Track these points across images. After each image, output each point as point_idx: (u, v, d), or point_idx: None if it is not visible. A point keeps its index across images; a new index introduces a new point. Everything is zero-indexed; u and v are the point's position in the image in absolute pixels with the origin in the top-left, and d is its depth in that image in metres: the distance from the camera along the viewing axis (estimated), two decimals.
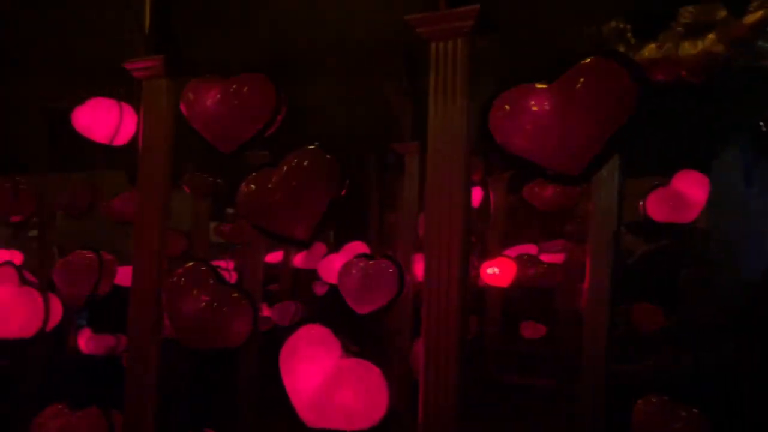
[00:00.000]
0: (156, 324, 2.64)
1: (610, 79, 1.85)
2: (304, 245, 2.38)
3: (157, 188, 2.71)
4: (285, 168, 2.28)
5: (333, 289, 5.31)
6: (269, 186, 2.33)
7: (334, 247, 6.13)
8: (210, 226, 6.11)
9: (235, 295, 2.46)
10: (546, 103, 1.83)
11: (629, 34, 3.79)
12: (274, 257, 6.31)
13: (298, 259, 6.33)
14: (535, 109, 1.87)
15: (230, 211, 7.62)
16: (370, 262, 2.99)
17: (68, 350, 5.43)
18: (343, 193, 2.32)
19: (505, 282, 4.19)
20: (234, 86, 2.44)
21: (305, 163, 2.27)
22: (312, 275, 6.34)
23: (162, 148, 2.71)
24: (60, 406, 2.70)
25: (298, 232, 2.32)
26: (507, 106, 1.89)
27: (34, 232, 5.46)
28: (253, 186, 2.38)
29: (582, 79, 1.84)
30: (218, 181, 5.55)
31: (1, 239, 7.18)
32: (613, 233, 3.23)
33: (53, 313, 2.93)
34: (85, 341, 5.59)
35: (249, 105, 2.44)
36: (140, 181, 2.72)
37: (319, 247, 5.93)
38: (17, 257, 5.50)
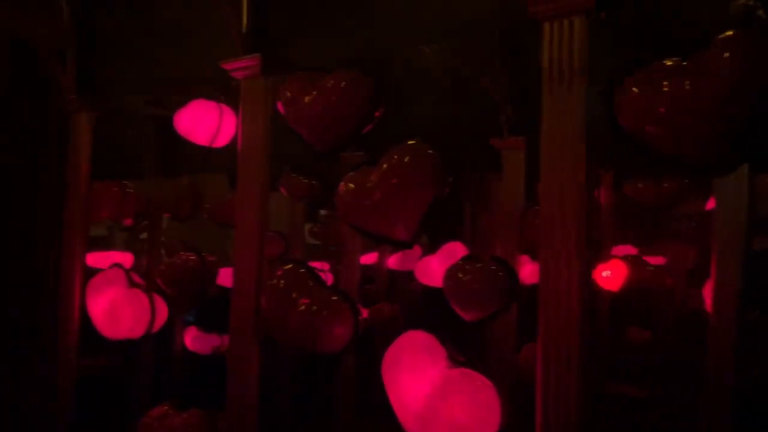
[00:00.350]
0: (257, 326, 2.61)
1: (759, 53, 1.59)
2: (405, 246, 2.25)
3: (257, 188, 2.68)
4: (385, 165, 2.16)
5: (428, 292, 5.19)
6: (368, 185, 2.22)
7: (428, 247, 5.99)
8: (305, 228, 6.16)
9: (335, 298, 2.38)
10: (683, 83, 1.60)
11: (760, 11, 3.40)
12: (369, 258, 6.26)
13: (393, 261, 6.25)
14: (667, 90, 1.64)
15: (323, 212, 7.68)
16: (478, 265, 2.80)
17: (175, 348, 5.61)
18: (447, 191, 2.18)
19: (616, 285, 3.88)
20: (331, 82, 2.35)
21: (406, 160, 2.14)
22: (405, 276, 6.24)
23: (261, 148, 2.67)
24: (166, 407, 2.72)
25: (399, 232, 2.19)
26: (635, 89, 1.67)
27: (144, 235, 5.70)
28: (351, 185, 2.29)
29: (726, 55, 1.59)
30: (314, 182, 5.57)
31: (117, 242, 7.60)
32: (745, 232, 2.90)
33: (159, 314, 2.99)
34: (191, 340, 5.77)
35: (346, 101, 2.35)
36: (240, 181, 2.70)
37: (414, 248, 5.81)
38: (128, 259, 5.76)
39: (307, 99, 2.33)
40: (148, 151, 5.15)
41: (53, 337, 3.50)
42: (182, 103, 3.20)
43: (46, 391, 3.52)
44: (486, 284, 2.71)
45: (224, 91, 3.32)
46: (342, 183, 2.28)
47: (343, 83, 2.34)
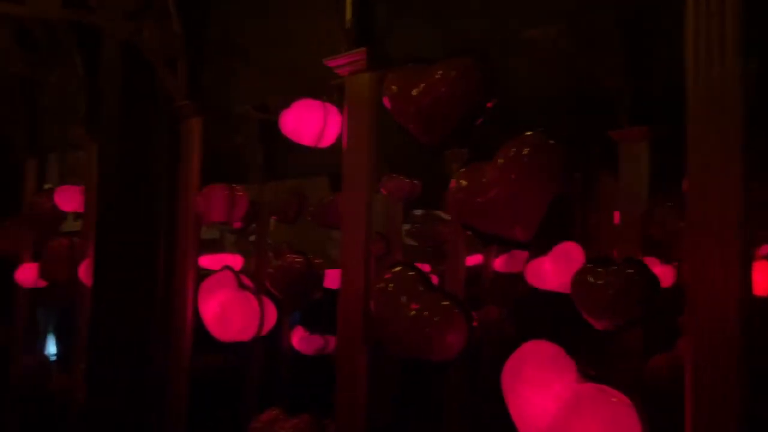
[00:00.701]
0: (365, 330, 2.51)
1: None
2: (524, 247, 2.07)
3: (363, 188, 2.59)
4: (501, 160, 1.99)
5: (537, 295, 4.92)
6: (483, 181, 2.05)
7: (536, 248, 5.69)
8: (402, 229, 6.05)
9: (447, 303, 2.23)
10: None
11: None
12: (472, 260, 6.05)
13: (499, 262, 6.01)
14: None
15: (417, 212, 7.54)
16: (612, 269, 2.50)
17: (283, 349, 5.69)
18: (571, 186, 1.98)
19: (765, 289, 3.45)
20: (440, 73, 2.21)
21: (525, 153, 1.95)
22: (506, 278, 5.97)
23: (366, 146, 2.58)
24: (276, 412, 2.69)
25: (517, 232, 2.01)
26: None
27: (252, 238, 5.83)
28: (464, 182, 2.13)
29: None
30: (415, 182, 5.45)
31: (226, 244, 7.87)
32: None
33: (268, 316, 2.98)
34: (298, 340, 5.84)
35: (456, 92, 2.19)
36: (345, 180, 2.62)
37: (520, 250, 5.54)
38: (238, 261, 5.92)
39: (414, 92, 2.20)
40: (254, 155, 5.25)
41: (167, 337, 3.60)
42: (288, 105, 3.18)
43: (161, 390, 3.62)
44: (623, 290, 2.43)
45: (329, 91, 3.27)
46: (454, 180, 2.13)
47: (453, 73, 2.19)
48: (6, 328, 5.48)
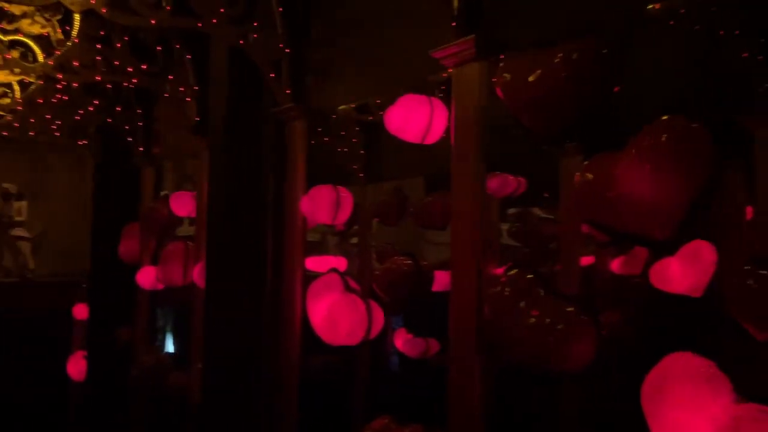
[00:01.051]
0: (479, 338, 2.35)
1: None
2: (661, 246, 1.83)
3: (473, 185, 2.42)
4: (635, 149, 1.77)
5: (659, 299, 4.51)
6: (614, 174, 1.84)
7: (657, 247, 5.25)
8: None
9: (571, 309, 2.02)
10: None
11: None
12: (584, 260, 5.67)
13: (616, 264, 5.59)
14: None
15: (511, 211, 7.20)
16: None
17: (387, 351, 5.62)
18: (716, 176, 1.72)
19: None
20: (559, 56, 2.02)
21: (664, 140, 1.72)
22: (619, 280, 5.54)
23: (476, 141, 2.42)
24: (386, 420, 2.59)
25: (654, 229, 1.78)
26: None
27: (355, 239, 5.81)
28: (590, 176, 1.93)
29: None
30: (520, 178, 5.20)
31: (329, 246, 7.95)
32: None
33: (375, 320, 2.90)
34: (402, 343, 5.74)
35: (579, 76, 1.99)
36: (454, 178, 2.47)
37: (640, 249, 5.13)
38: (342, 263, 5.91)
39: (531, 79, 2.02)
40: (354, 156, 5.22)
41: (277, 339, 3.61)
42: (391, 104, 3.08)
43: (272, 392, 3.64)
44: None
45: (430, 87, 3.14)
46: (578, 174, 1.93)
47: (575, 55, 1.99)
48: (128, 329, 5.79)
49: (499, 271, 4.54)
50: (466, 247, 2.41)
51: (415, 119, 2.80)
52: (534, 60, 2.09)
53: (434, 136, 2.87)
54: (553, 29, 2.45)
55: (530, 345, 2.04)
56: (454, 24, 2.41)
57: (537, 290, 2.12)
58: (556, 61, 2.02)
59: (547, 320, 2.01)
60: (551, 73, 2.02)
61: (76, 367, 6.92)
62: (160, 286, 5.14)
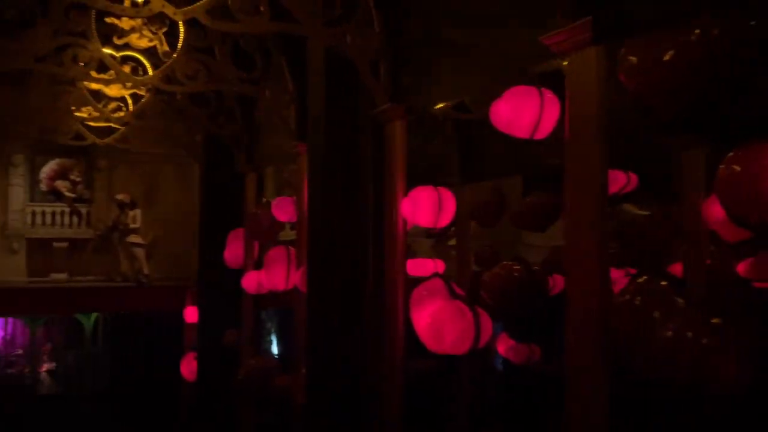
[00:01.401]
0: (604, 352, 2.13)
1: None
2: None
3: (592, 182, 2.21)
4: None
5: None
6: (765, 165, 1.59)
7: None
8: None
9: (716, 321, 1.77)
10: None
11: None
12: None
13: (743, 267, 5.05)
14: None
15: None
16: None
17: (491, 357, 5.42)
18: None
19: None
20: (696, 33, 1.77)
21: None
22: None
23: (595, 134, 2.19)
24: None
25: None
26: None
27: (452, 242, 5.63)
28: (736, 168, 1.68)
29: None
30: (631, 174, 4.82)
31: (424, 249, 7.80)
32: None
33: (484, 329, 2.72)
34: (505, 349, 5.51)
35: (719, 54, 1.74)
36: (570, 175, 2.26)
37: None
38: (440, 266, 5.74)
39: (666, 56, 1.78)
40: (451, 156, 5.05)
41: (380, 344, 3.52)
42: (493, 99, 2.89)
43: (376, 395, 3.56)
44: None
45: (530, 80, 2.92)
46: (722, 166, 1.68)
47: (715, 31, 1.74)
48: (235, 331, 5.94)
49: (615, 274, 4.21)
50: (586, 252, 2.19)
51: (524, 113, 2.60)
52: (663, 40, 1.85)
53: (544, 131, 2.66)
54: (675, 6, 2.19)
55: (669, 361, 1.81)
56: (565, 7, 2.21)
57: (673, 299, 1.88)
58: (692, 39, 1.77)
59: (689, 333, 1.76)
60: (687, 53, 1.77)
61: (188, 367, 7.21)
62: (264, 290, 5.23)
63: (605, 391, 2.15)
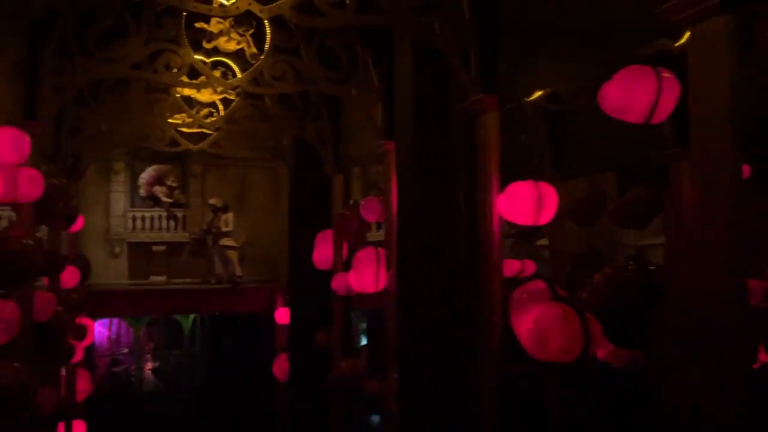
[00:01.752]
0: (741, 361, 1.86)
1: None
2: None
3: (722, 174, 1.94)
4: None
5: None
6: None
7: None
8: None
9: None
10: None
11: None
12: None
13: None
14: None
15: None
16: None
17: (588, 361, 5.08)
18: None
19: None
20: None
21: None
22: None
23: (725, 118, 1.92)
24: None
25: None
26: None
27: (543, 241, 5.32)
28: None
29: None
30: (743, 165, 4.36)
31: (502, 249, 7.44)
32: None
33: (594, 335, 2.47)
34: (605, 353, 5.15)
35: None
36: (697, 164, 2.00)
37: None
38: (529, 267, 5.42)
39: None
40: (543, 150, 4.77)
41: (474, 345, 3.34)
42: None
43: (471, 400, 3.39)
44: None
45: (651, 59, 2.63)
46: None
47: None
48: (326, 333, 5.92)
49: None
50: (717, 254, 1.92)
51: (638, 95, 2.33)
52: None
53: (661, 115, 2.38)
54: None
55: None
56: None
57: None
58: None
59: None
60: None
61: (281, 368, 7.29)
62: (354, 292, 5.16)
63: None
